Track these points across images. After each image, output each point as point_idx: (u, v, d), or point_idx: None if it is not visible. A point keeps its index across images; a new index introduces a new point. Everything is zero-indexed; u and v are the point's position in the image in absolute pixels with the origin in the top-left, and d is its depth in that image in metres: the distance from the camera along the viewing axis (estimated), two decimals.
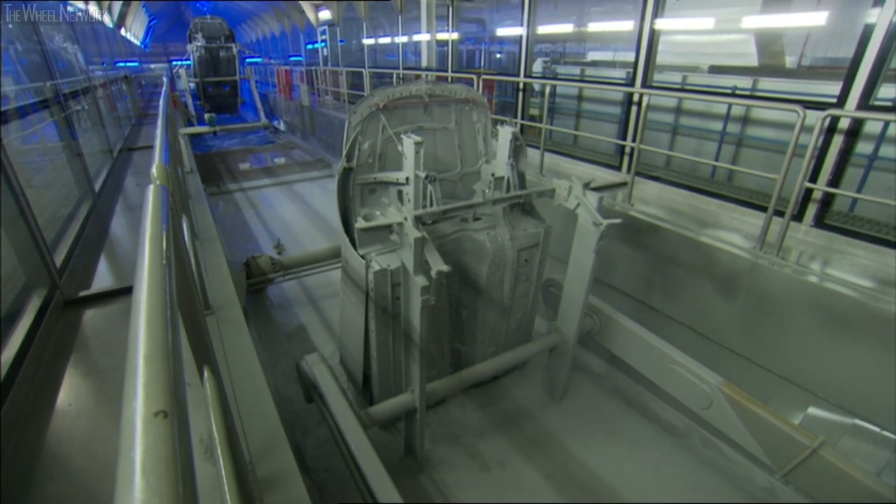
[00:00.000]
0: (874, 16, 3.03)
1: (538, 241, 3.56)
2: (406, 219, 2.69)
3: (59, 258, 2.93)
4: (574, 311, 3.62)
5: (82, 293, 2.79)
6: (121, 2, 13.65)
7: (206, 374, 1.00)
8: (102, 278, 3.15)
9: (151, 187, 0.96)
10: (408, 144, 2.76)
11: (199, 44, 15.45)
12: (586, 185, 3.25)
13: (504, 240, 3.41)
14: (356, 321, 3.31)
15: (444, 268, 2.55)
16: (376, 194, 3.31)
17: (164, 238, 0.75)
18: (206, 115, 13.91)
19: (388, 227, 2.85)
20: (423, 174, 2.76)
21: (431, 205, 2.90)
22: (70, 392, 2.07)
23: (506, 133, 3.25)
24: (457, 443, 3.71)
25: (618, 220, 3.12)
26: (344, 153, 3.15)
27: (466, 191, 3.65)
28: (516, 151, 3.35)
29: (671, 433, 3.80)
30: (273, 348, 4.77)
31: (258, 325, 5.13)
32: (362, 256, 2.97)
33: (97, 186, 4.66)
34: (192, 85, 16.11)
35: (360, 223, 2.76)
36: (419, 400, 3.10)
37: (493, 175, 3.28)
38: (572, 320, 3.66)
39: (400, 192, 3.05)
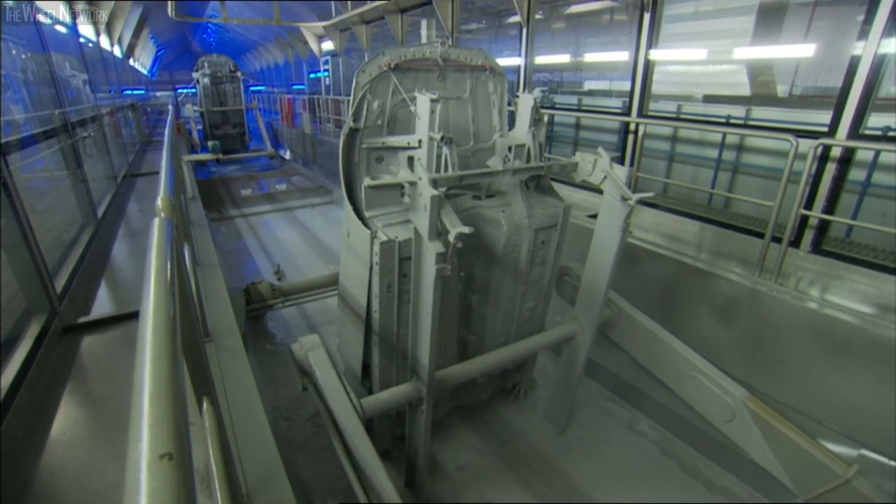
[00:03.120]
0: (860, 48, 3.13)
1: (556, 221, 3.29)
2: (420, 178, 2.42)
3: (59, 283, 2.94)
4: (594, 299, 3.33)
5: (81, 319, 2.79)
6: (131, 32, 14.06)
7: (205, 405, 1.00)
8: (102, 304, 3.15)
9: (157, 220, 0.98)
10: (422, 102, 2.51)
11: (205, 72, 15.72)
12: (614, 158, 3.00)
13: (521, 218, 3.13)
14: (357, 302, 3.03)
15: (466, 229, 2.26)
16: (384, 163, 3.02)
17: (169, 273, 0.76)
18: (210, 143, 14.10)
19: (399, 188, 2.58)
20: (437, 135, 2.49)
21: (446, 170, 2.59)
22: (65, 421, 2.05)
23: (527, 100, 3.02)
24: (461, 485, 3.52)
25: (650, 194, 2.90)
26: (350, 112, 2.86)
27: (479, 167, 3.29)
28: (536, 124, 3.12)
29: (681, 465, 3.70)
30: (271, 375, 4.72)
31: (257, 352, 5.09)
32: (366, 225, 2.69)
33: (100, 212, 4.70)
34: (198, 115, 16.32)
35: (367, 181, 2.51)
36: (427, 388, 2.78)
37: (508, 150, 3.05)
38: (591, 309, 3.36)
39: (411, 160, 2.74)
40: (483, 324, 3.48)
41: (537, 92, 3.90)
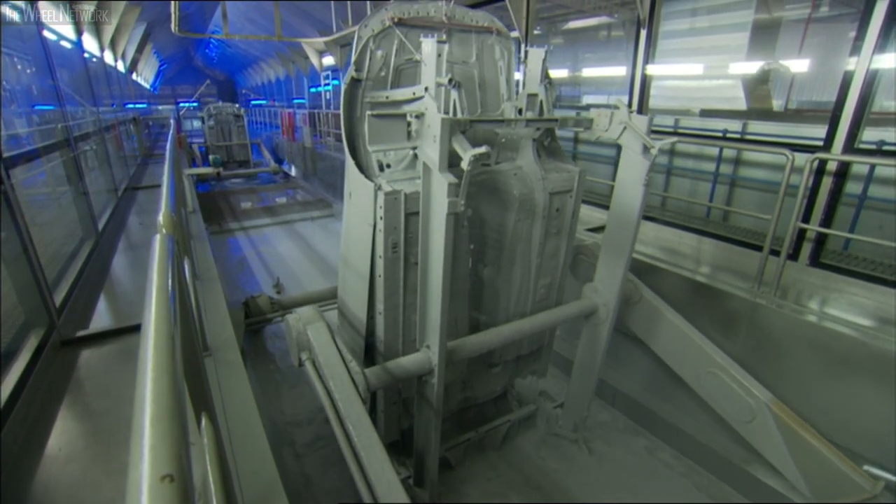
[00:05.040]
0: (853, 63, 3.17)
1: (572, 185, 3.09)
2: (428, 107, 2.24)
3: (58, 297, 2.93)
4: (616, 266, 3.09)
5: (80, 333, 2.79)
6: (134, 47, 14.24)
7: (203, 421, 0.99)
8: (101, 318, 3.14)
9: (158, 237, 0.98)
10: (428, 46, 2.32)
11: (210, 112, 16.65)
12: (631, 112, 2.84)
13: (534, 181, 2.94)
14: (359, 270, 2.79)
15: (482, 149, 2.10)
16: None
17: (170, 290, 0.77)
18: (211, 157, 14.25)
19: (404, 121, 2.37)
20: (445, 79, 2.29)
21: (456, 115, 2.40)
22: (61, 436, 2.04)
23: (537, 54, 2.87)
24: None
25: (674, 139, 2.75)
26: (352, 60, 2.67)
27: (487, 139, 3.16)
28: (549, 87, 2.94)
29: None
30: (270, 389, 4.68)
31: (255, 366, 5.06)
32: (370, 179, 2.52)
33: (101, 225, 4.71)
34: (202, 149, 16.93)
35: (371, 112, 2.34)
36: (438, 357, 2.53)
37: (519, 112, 2.89)
38: (614, 277, 3.13)
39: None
40: (496, 302, 3.24)
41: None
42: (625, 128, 2.82)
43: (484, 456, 3.82)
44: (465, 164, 2.14)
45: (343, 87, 2.68)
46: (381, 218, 2.50)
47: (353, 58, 2.65)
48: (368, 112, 2.35)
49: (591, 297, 3.31)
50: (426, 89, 2.31)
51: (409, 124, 2.35)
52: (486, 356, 3.40)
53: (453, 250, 2.35)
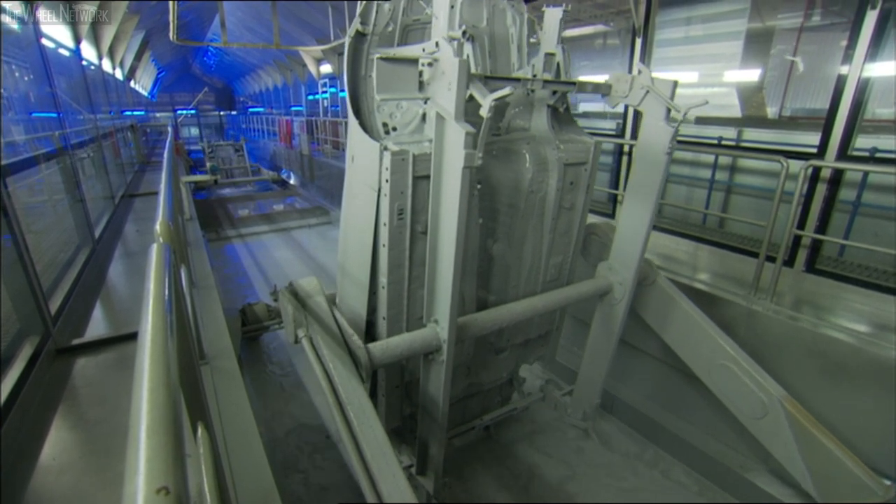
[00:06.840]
0: (845, 71, 3.21)
1: (587, 157, 2.93)
2: (441, 54, 2.05)
3: (54, 305, 2.91)
4: (633, 242, 2.95)
5: (76, 341, 2.77)
6: (133, 55, 14.29)
7: (199, 431, 0.99)
8: (97, 326, 3.12)
9: (155, 246, 0.98)
10: None
11: (214, 145, 17.92)
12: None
13: (547, 151, 2.77)
14: (361, 239, 2.59)
15: (505, 91, 1.95)
16: None
17: (167, 298, 0.77)
18: (208, 164, 14.30)
19: (415, 69, 2.19)
20: (458, 32, 2.09)
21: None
22: (55, 445, 2.02)
23: (554, 14, 2.69)
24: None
25: (705, 103, 2.61)
26: (357, 13, 2.49)
27: (497, 108, 3.02)
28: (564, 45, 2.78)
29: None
30: (267, 398, 4.66)
31: (252, 374, 5.03)
32: (374, 138, 2.33)
33: (97, 232, 4.70)
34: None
35: (378, 55, 2.19)
36: (448, 332, 2.34)
37: (533, 77, 2.71)
38: (630, 254, 2.99)
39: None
40: (505, 281, 3.09)
41: None
42: (647, 93, 2.67)
43: (488, 446, 3.78)
44: (484, 111, 1.98)
45: (347, 42, 2.49)
46: (386, 181, 2.28)
47: (359, 10, 2.48)
48: (377, 56, 2.19)
49: (606, 275, 3.18)
50: (437, 44, 2.11)
51: (420, 73, 2.19)
52: (493, 340, 3.30)
53: (469, 211, 2.22)
